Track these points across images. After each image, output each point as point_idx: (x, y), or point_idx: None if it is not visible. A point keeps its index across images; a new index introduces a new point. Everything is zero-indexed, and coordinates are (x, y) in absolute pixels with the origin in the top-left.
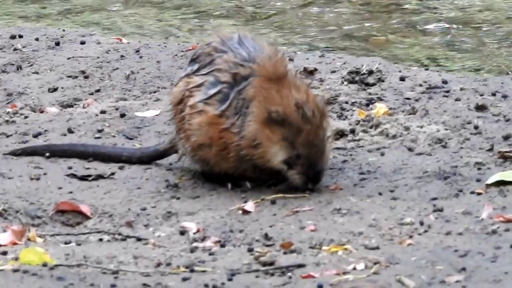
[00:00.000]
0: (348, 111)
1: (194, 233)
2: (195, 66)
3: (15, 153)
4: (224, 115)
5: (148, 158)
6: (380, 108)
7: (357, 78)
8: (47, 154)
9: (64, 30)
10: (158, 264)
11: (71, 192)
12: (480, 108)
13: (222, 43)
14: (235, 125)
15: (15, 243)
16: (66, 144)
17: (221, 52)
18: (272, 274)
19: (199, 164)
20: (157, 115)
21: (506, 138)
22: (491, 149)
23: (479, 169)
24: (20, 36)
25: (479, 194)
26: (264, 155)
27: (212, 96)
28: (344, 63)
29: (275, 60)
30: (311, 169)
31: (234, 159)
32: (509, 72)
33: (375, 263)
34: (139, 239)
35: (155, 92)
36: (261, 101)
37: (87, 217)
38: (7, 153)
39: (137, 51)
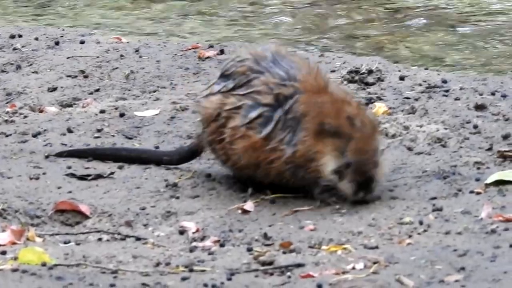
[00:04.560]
0: None
1: (194, 233)
2: (230, 84)
3: (61, 155)
4: (269, 138)
5: (186, 158)
6: (379, 108)
7: (356, 78)
8: (90, 157)
9: (63, 30)
10: (157, 264)
11: (70, 192)
12: (480, 107)
13: (256, 62)
14: (284, 141)
15: (14, 243)
16: (109, 148)
17: (257, 72)
18: (272, 274)
19: (235, 172)
20: (156, 114)
21: (505, 137)
22: (490, 149)
23: (478, 168)
24: (20, 36)
25: (478, 193)
26: (317, 168)
27: (253, 120)
28: (344, 63)
29: (315, 74)
30: (361, 176)
31: (277, 171)
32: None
33: (374, 263)
34: (138, 239)
35: (154, 91)
36: (314, 116)
37: (86, 217)
38: (52, 154)
39: (137, 50)
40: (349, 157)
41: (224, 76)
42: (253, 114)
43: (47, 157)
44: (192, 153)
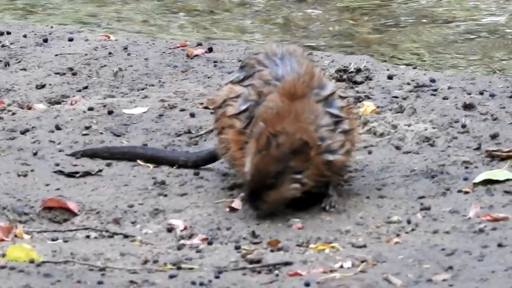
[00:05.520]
0: None
1: (181, 231)
2: (241, 75)
3: (75, 155)
4: (244, 133)
5: (203, 162)
6: (367, 106)
7: (345, 76)
8: (106, 157)
9: (52, 27)
10: (145, 261)
11: (58, 189)
12: (468, 107)
13: (266, 57)
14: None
15: (2, 240)
16: (126, 146)
17: (262, 66)
18: (259, 272)
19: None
20: (144, 112)
21: (493, 137)
22: (478, 148)
23: (466, 167)
24: (8, 33)
25: (466, 193)
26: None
27: (242, 112)
28: (332, 61)
29: (300, 80)
30: (247, 191)
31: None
32: (497, 72)
33: (362, 261)
34: (126, 236)
35: (143, 89)
36: (256, 121)
37: (74, 214)
38: (69, 154)
39: (125, 48)
40: (246, 170)
41: (241, 68)
42: (243, 106)
43: (35, 154)
44: (211, 157)
